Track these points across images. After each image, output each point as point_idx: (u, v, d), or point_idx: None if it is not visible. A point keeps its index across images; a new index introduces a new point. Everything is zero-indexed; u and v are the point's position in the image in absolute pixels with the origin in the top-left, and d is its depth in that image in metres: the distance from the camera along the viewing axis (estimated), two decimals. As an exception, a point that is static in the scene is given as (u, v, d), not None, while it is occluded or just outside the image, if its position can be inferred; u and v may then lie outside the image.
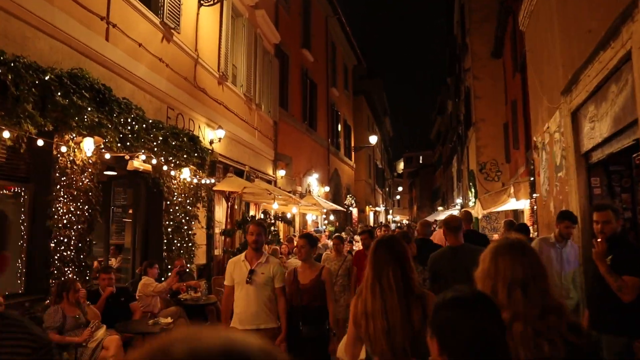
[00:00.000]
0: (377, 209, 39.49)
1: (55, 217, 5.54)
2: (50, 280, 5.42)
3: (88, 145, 5.74)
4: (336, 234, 8.63)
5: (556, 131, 6.34)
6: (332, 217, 21.49)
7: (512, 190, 9.11)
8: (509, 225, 7.35)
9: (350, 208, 27.00)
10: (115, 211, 10.23)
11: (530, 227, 8.01)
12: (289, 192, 15.33)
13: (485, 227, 17.39)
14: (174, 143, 8.08)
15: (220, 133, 10.06)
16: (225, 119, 10.93)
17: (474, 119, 19.13)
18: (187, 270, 8.18)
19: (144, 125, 7.17)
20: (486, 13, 18.69)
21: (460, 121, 25.50)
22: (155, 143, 7.44)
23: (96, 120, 5.82)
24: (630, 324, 3.28)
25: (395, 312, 2.37)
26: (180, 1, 8.77)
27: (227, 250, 9.56)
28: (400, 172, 73.64)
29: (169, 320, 5.44)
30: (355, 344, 2.58)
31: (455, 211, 25.84)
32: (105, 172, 8.49)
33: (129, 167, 6.11)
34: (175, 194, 8.31)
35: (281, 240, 10.95)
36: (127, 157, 6.10)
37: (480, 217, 14.60)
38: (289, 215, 15.22)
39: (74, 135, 5.68)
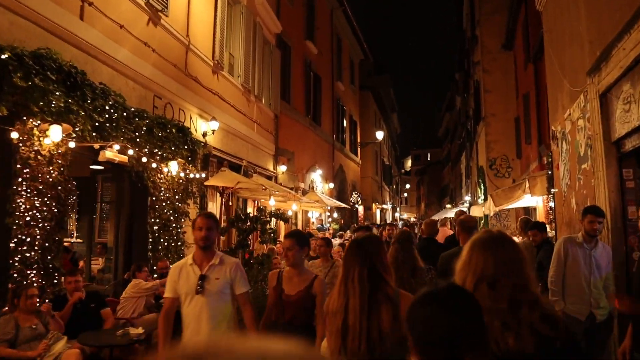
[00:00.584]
0: (384, 206, 38.82)
1: (17, 213, 4.93)
2: (10, 285, 4.81)
3: (55, 133, 5.12)
4: (322, 236, 8.00)
5: (580, 118, 5.65)
6: (335, 215, 20.82)
7: (527, 185, 8.39)
8: (524, 224, 6.68)
9: (356, 205, 26.34)
10: (104, 207, 9.68)
11: (547, 227, 7.31)
12: (291, 188, 14.71)
13: (495, 225, 16.83)
14: (160, 134, 7.47)
15: (214, 125, 9.44)
16: (220, 110, 10.31)
17: (483, 114, 18.55)
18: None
19: (125, 114, 6.56)
20: (497, 4, 18.18)
21: (469, 116, 24.80)
22: (137, 133, 6.83)
23: (62, 105, 5.19)
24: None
25: (355, 312, 2.37)
26: (168, -18, 8.15)
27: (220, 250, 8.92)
28: (408, 169, 73.31)
29: (140, 330, 4.82)
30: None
31: (463, 209, 25.16)
32: (92, 167, 7.97)
33: (100, 158, 5.50)
34: (162, 189, 7.70)
35: (278, 239, 10.29)
36: (96, 146, 5.48)
37: (491, 214, 13.90)
38: (290, 213, 14.62)
39: (38, 122, 5.07)
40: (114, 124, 6.29)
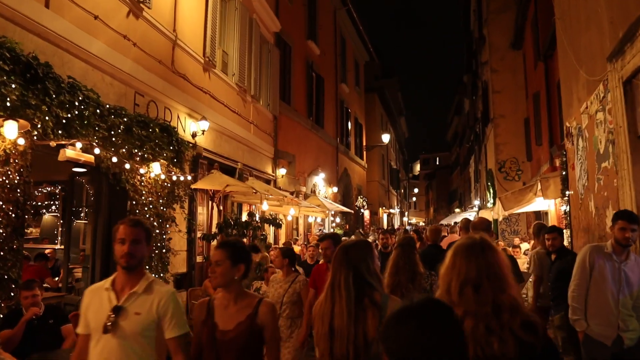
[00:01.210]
0: (392, 210, 38.15)
1: (-36, 219, 4.41)
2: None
3: (9, 129, 4.58)
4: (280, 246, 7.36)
5: (599, 110, 5.02)
6: (338, 220, 20.18)
7: (538, 187, 7.73)
8: (538, 229, 6.04)
9: (362, 210, 25.70)
10: (88, 213, 9.17)
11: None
12: (292, 192, 14.14)
13: (505, 230, 16.20)
14: (140, 133, 6.93)
15: (204, 125, 8.89)
16: (212, 110, 9.77)
17: (492, 115, 17.94)
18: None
19: (98, 111, 6.03)
20: (505, 1, 17.58)
21: (477, 119, 24.16)
22: (112, 132, 6.29)
23: (15, 99, 4.65)
24: None
25: (341, 317, 2.31)
26: (152, -28, 7.63)
27: (208, 258, 8.36)
28: (417, 173, 72.86)
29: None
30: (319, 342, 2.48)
31: (472, 214, 24.47)
32: (74, 169, 7.44)
33: (60, 158, 4.95)
34: (144, 192, 7.15)
35: (271, 245, 9.70)
36: (53, 144, 4.92)
37: (500, 219, 13.26)
38: (289, 218, 14.04)
39: (-11, 117, 4.54)
40: (85, 122, 5.75)
